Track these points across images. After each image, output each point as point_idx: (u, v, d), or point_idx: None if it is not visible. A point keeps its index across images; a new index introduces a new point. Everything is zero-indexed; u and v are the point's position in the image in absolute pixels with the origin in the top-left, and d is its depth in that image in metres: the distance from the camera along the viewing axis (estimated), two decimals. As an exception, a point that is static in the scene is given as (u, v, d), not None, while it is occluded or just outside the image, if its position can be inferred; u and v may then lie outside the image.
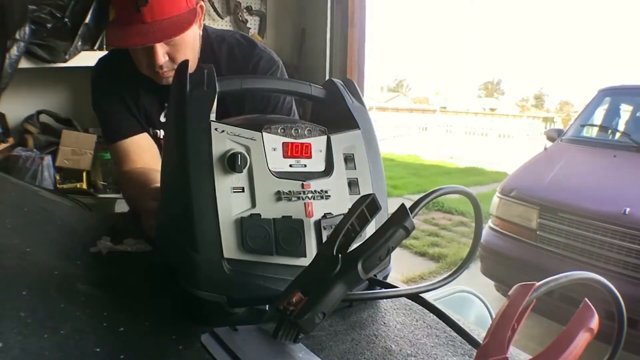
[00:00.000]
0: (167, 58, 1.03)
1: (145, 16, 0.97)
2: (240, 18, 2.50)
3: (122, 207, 1.45)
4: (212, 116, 0.60)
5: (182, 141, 0.58)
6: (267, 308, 0.57)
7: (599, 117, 3.74)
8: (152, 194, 0.86)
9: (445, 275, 0.68)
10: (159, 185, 0.84)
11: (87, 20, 2.18)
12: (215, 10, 2.47)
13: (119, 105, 1.15)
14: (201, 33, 1.14)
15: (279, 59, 1.20)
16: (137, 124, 1.16)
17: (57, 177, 2.26)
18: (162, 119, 1.18)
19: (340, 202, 0.62)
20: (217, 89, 0.63)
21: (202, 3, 1.09)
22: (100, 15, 2.23)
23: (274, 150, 0.61)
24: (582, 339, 0.37)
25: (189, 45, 1.06)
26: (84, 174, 2.31)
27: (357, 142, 0.67)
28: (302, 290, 0.46)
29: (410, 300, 0.65)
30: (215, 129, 0.58)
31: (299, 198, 0.59)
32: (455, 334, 0.58)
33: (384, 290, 0.64)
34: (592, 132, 3.67)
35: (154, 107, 1.17)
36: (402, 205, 0.49)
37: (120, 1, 1.01)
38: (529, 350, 0.56)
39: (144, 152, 1.15)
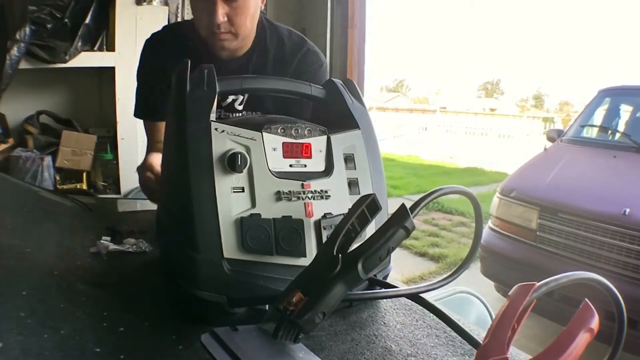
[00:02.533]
0: (225, 19, 1.01)
1: None
2: (240, 18, 2.50)
3: (122, 207, 1.45)
4: (212, 116, 0.60)
5: (182, 141, 0.58)
6: (267, 308, 0.57)
7: (599, 117, 3.73)
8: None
9: (445, 276, 0.68)
10: None
11: (87, 21, 2.18)
12: (215, 10, 2.47)
13: (159, 81, 1.13)
14: (262, 8, 1.12)
15: (325, 58, 1.20)
16: None
17: (57, 178, 2.27)
18: None
19: (340, 202, 0.62)
20: (217, 89, 0.63)
21: None
22: (100, 15, 2.23)
23: (274, 150, 0.61)
24: (583, 339, 0.37)
25: (249, 12, 1.04)
26: (84, 174, 2.32)
27: (357, 142, 0.67)
28: (302, 290, 0.46)
29: (410, 301, 0.65)
30: (215, 129, 0.58)
31: (299, 198, 0.59)
32: (455, 334, 0.58)
33: (384, 290, 0.64)
34: (592, 133, 3.67)
35: None
36: (402, 205, 0.49)
37: None
38: (528, 350, 0.56)
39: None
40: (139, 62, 1.19)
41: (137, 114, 1.21)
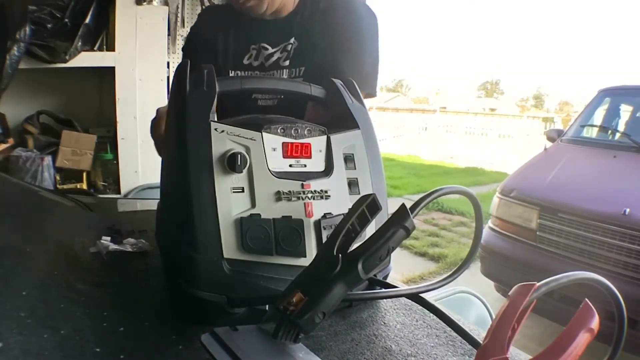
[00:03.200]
0: None
1: None
2: (240, 18, 2.50)
3: (122, 207, 1.45)
4: (212, 116, 0.60)
5: (182, 141, 0.58)
6: (267, 308, 0.57)
7: (599, 117, 3.74)
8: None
9: (445, 276, 0.68)
10: None
11: (87, 21, 2.18)
12: (215, 10, 2.47)
13: (200, 49, 1.17)
14: None
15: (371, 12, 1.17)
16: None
17: (57, 178, 2.27)
18: (246, 61, 1.17)
19: (340, 202, 0.62)
20: (217, 89, 0.63)
21: None
22: (100, 15, 2.23)
23: (274, 150, 0.61)
24: (583, 339, 0.37)
25: None
26: (84, 174, 2.31)
27: (357, 142, 0.67)
28: (302, 290, 0.46)
29: (410, 301, 0.65)
30: (215, 129, 0.58)
31: (298, 198, 0.59)
32: (455, 334, 0.58)
33: (384, 290, 0.64)
34: (592, 133, 3.67)
35: (239, 47, 1.16)
36: (403, 205, 0.49)
37: None
38: (528, 350, 0.56)
39: None
40: (190, 30, 1.26)
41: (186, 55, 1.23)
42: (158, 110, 1.05)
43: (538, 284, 0.42)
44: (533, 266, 2.76)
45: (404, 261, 4.11)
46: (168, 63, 2.36)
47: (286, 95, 0.74)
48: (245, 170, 0.58)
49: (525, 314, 0.40)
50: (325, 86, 0.73)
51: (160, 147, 1.06)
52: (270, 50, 1.12)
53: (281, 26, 1.11)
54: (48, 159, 2.20)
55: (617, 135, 3.44)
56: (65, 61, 2.14)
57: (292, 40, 1.10)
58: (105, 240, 0.80)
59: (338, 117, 0.70)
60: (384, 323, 0.62)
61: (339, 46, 1.06)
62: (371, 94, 1.10)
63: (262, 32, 1.13)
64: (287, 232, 0.57)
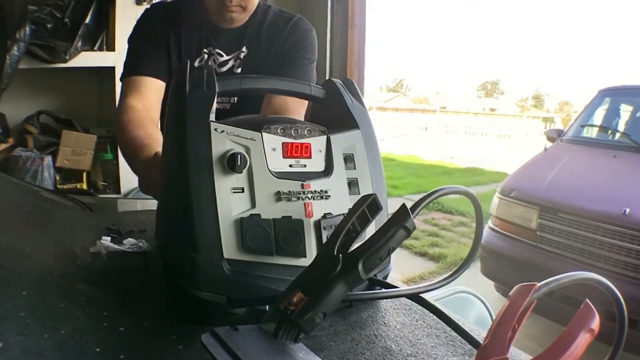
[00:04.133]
0: None
1: None
2: (240, 18, 2.50)
3: (122, 207, 1.45)
4: (212, 116, 0.60)
5: (181, 141, 0.58)
6: (267, 308, 0.57)
7: (599, 117, 3.74)
8: (149, 145, 0.86)
9: (445, 276, 0.68)
10: (155, 139, 0.88)
11: (87, 21, 2.18)
12: (215, 10, 2.47)
13: (152, 42, 1.14)
14: None
15: (312, 27, 1.24)
16: (162, 68, 1.13)
17: (57, 178, 2.27)
18: (197, 63, 1.17)
19: (340, 202, 0.62)
20: (217, 89, 0.63)
21: None
22: (100, 15, 2.23)
23: (274, 150, 0.61)
24: (583, 340, 0.37)
25: None
26: (84, 174, 2.32)
27: (356, 142, 0.67)
28: (303, 290, 0.46)
29: (410, 301, 0.65)
30: (215, 129, 0.58)
31: (298, 198, 0.59)
32: (455, 334, 0.58)
33: (384, 290, 0.64)
34: (592, 133, 3.67)
35: (191, 49, 1.16)
36: (403, 205, 0.48)
37: None
38: (528, 350, 0.56)
39: (152, 94, 1.11)
40: (136, 26, 1.19)
41: (129, 70, 1.13)
42: (125, 107, 1.03)
43: (539, 284, 0.42)
44: (533, 266, 2.76)
45: (404, 261, 4.11)
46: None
47: (246, 97, 0.74)
48: (245, 171, 0.58)
49: (526, 314, 0.40)
50: (325, 86, 0.73)
51: (124, 145, 1.00)
52: (225, 57, 1.16)
53: (234, 34, 1.15)
54: (48, 159, 2.20)
55: (617, 135, 3.44)
56: (65, 61, 2.14)
57: (243, 49, 1.16)
58: (105, 240, 0.80)
59: (338, 117, 0.70)
60: (384, 323, 0.62)
61: (288, 55, 1.16)
62: None
63: (215, 37, 1.16)
64: (287, 232, 0.57)
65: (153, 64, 1.11)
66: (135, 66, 1.13)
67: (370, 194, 0.51)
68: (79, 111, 2.46)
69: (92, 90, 2.50)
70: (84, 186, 2.30)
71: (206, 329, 0.50)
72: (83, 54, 2.19)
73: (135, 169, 0.90)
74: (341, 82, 0.73)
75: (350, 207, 0.62)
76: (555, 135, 3.73)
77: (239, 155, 0.57)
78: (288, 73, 1.12)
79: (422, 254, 4.36)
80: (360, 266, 0.46)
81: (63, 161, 2.26)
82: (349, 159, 0.65)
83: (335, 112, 0.71)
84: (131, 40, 1.18)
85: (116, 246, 0.79)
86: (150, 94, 1.10)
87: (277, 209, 0.58)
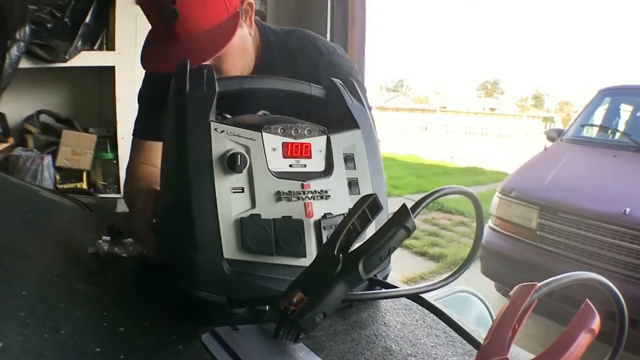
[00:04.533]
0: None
1: (178, 32, 0.82)
2: (240, 18, 2.50)
3: (122, 207, 1.45)
4: (212, 116, 0.60)
5: (182, 141, 0.58)
6: (267, 308, 0.57)
7: (599, 117, 3.74)
8: (145, 192, 0.81)
9: (445, 276, 0.68)
10: (155, 186, 0.81)
11: (87, 20, 2.18)
12: (215, 10, 2.47)
13: (157, 105, 1.10)
14: (252, 33, 0.99)
15: (350, 62, 1.07)
16: None
17: (57, 177, 2.26)
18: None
19: (340, 202, 0.62)
20: (217, 89, 0.63)
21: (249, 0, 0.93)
22: (100, 15, 2.23)
23: (274, 150, 0.61)
24: (583, 340, 0.37)
25: (235, 53, 0.92)
26: (84, 174, 2.31)
27: (357, 142, 0.67)
28: (303, 290, 0.46)
29: (410, 300, 0.65)
30: (215, 129, 0.58)
31: (298, 198, 0.59)
32: (455, 334, 0.58)
33: (384, 290, 0.64)
34: (592, 132, 3.67)
35: None
36: (404, 205, 0.48)
37: (150, 15, 0.87)
38: (529, 350, 0.56)
39: (159, 156, 1.10)
40: (143, 80, 1.14)
41: (136, 132, 1.13)
42: (131, 167, 1.00)
43: (539, 285, 0.42)
44: (533, 266, 2.76)
45: (404, 261, 4.11)
46: (168, 63, 2.36)
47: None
48: (245, 170, 0.58)
49: (526, 314, 0.40)
50: (325, 86, 0.73)
51: (126, 199, 1.01)
52: None
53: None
54: (48, 159, 2.20)
55: (617, 134, 3.44)
56: (65, 61, 2.14)
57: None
58: (105, 240, 0.80)
59: (338, 117, 0.70)
60: (384, 323, 0.62)
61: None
62: None
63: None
64: (287, 232, 0.57)
65: (159, 128, 1.09)
66: (142, 129, 1.12)
67: (371, 194, 0.51)
68: (79, 111, 2.46)
69: (92, 90, 2.50)
70: (84, 186, 2.30)
71: (206, 329, 0.50)
72: (83, 53, 2.19)
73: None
74: (341, 82, 0.73)
75: (351, 207, 0.62)
76: (555, 135, 3.73)
77: (239, 155, 0.57)
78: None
79: (422, 254, 4.36)
80: (360, 266, 0.46)
81: (63, 161, 2.26)
82: (349, 159, 0.65)
83: (336, 112, 0.71)
84: (139, 99, 1.14)
85: (116, 246, 0.79)
86: (157, 155, 1.05)
87: (277, 209, 0.58)
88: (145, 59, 0.91)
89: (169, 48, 0.84)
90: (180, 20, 0.81)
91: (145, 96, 1.15)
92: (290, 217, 0.58)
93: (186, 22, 0.82)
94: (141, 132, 1.12)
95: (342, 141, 0.66)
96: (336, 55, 1.05)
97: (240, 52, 0.95)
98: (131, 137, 1.14)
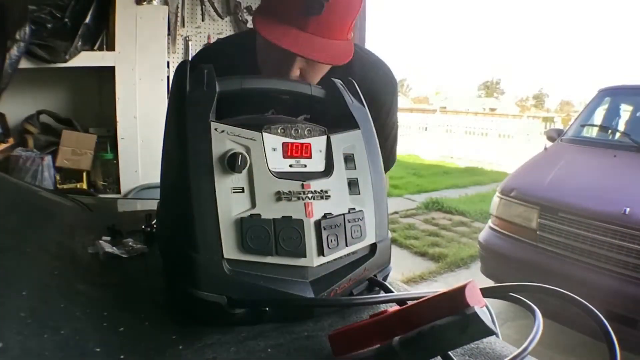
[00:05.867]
0: (298, 73, 0.91)
1: (309, 25, 0.82)
2: (240, 18, 2.50)
3: (122, 207, 1.45)
4: (212, 116, 0.60)
5: (182, 141, 0.58)
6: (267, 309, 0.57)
7: (599, 117, 3.73)
8: None
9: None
10: None
11: (87, 20, 2.18)
12: (215, 10, 2.47)
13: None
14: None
15: (394, 77, 1.13)
16: None
17: (57, 177, 2.26)
18: None
19: (340, 202, 0.62)
20: (217, 89, 0.63)
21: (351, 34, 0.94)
22: (100, 15, 2.23)
23: (274, 150, 0.61)
24: None
25: (325, 69, 0.94)
26: (84, 174, 2.31)
27: (357, 142, 0.67)
28: None
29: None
30: (215, 129, 0.58)
31: (299, 198, 0.59)
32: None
33: (384, 295, 0.64)
34: (592, 132, 3.67)
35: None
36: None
37: None
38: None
39: None
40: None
41: None
42: None
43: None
44: (533, 266, 2.75)
45: (404, 261, 4.11)
46: (168, 63, 2.36)
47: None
48: (245, 170, 0.58)
49: None
50: (325, 86, 0.73)
51: None
52: None
53: None
54: (48, 159, 2.20)
55: (617, 134, 3.44)
56: (65, 61, 2.14)
57: None
58: (105, 240, 0.80)
59: (338, 117, 0.70)
60: (384, 323, 0.61)
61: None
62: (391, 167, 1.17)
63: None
64: (287, 232, 0.57)
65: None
66: None
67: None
68: (79, 111, 2.46)
69: (92, 90, 2.50)
70: (84, 186, 2.30)
71: (206, 329, 0.50)
72: (83, 53, 2.19)
73: None
74: (341, 82, 0.73)
75: (351, 206, 0.63)
76: (555, 135, 3.73)
77: (239, 155, 0.57)
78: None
79: (422, 254, 4.36)
80: None
81: (63, 161, 2.26)
82: (349, 159, 0.65)
83: (336, 112, 0.71)
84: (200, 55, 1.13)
85: (111, 250, 0.79)
86: None
87: (277, 209, 0.58)
88: (265, 28, 0.85)
89: (293, 33, 0.83)
90: (321, 17, 0.82)
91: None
92: (291, 217, 0.58)
93: (322, 21, 0.82)
94: None
95: (342, 141, 0.66)
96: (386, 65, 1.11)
97: (324, 73, 0.96)
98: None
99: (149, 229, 0.87)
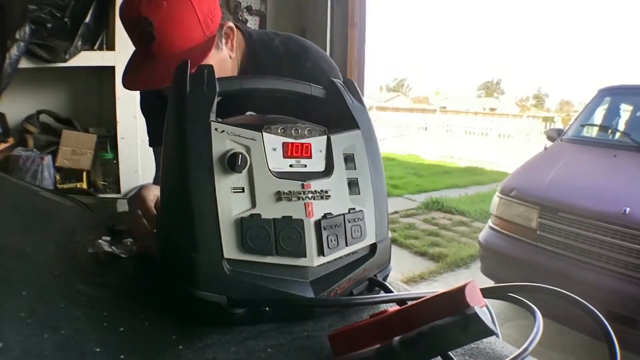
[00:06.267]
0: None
1: (154, 52, 0.87)
2: (241, 18, 2.50)
3: (122, 207, 1.45)
4: (212, 116, 0.60)
5: (182, 141, 0.58)
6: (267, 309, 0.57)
7: (599, 116, 3.73)
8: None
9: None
10: None
11: (87, 20, 2.18)
12: (215, 10, 2.47)
13: (160, 112, 1.08)
14: (234, 55, 1.01)
15: (332, 62, 1.10)
16: None
17: (57, 177, 2.26)
18: None
19: (340, 202, 0.62)
20: (217, 89, 0.63)
21: (230, 24, 0.96)
22: (100, 15, 2.23)
23: (274, 150, 0.61)
24: None
25: (222, 73, 0.94)
26: (84, 173, 2.31)
27: (357, 142, 0.67)
28: None
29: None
30: (215, 129, 0.58)
31: (299, 198, 0.59)
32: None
33: (384, 295, 0.64)
34: (592, 132, 3.67)
35: None
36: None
37: (131, 36, 0.90)
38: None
39: None
40: (140, 94, 1.17)
41: (152, 142, 1.19)
42: (140, 190, 0.92)
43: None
44: (533, 265, 2.75)
45: (403, 261, 4.11)
46: (168, 62, 2.36)
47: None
48: (245, 170, 0.58)
49: None
50: (325, 86, 0.73)
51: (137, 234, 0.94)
52: None
53: None
54: (48, 159, 2.20)
55: (617, 134, 3.44)
56: (65, 60, 2.14)
57: None
58: (105, 240, 0.80)
59: (338, 117, 0.70)
60: (384, 323, 0.61)
61: None
62: None
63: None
64: (288, 232, 0.57)
65: None
66: (155, 138, 1.16)
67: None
68: (79, 111, 2.46)
69: (92, 90, 2.50)
70: (84, 186, 2.30)
71: (206, 329, 0.50)
72: (83, 53, 2.19)
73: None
74: (341, 82, 0.73)
75: (351, 206, 0.63)
76: (555, 135, 3.73)
77: (239, 155, 0.57)
78: None
79: (422, 254, 4.36)
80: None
81: (63, 161, 2.26)
82: (349, 159, 0.65)
83: (336, 112, 0.71)
84: (142, 110, 1.19)
85: (115, 246, 0.79)
86: None
87: (277, 209, 0.58)
88: (125, 79, 0.93)
89: (147, 66, 0.88)
90: (157, 41, 0.86)
91: (145, 106, 1.18)
92: (291, 217, 0.58)
93: (162, 43, 0.86)
94: (154, 141, 1.16)
95: (342, 141, 0.66)
96: (319, 53, 1.08)
97: (219, 65, 0.95)
98: (146, 147, 1.20)
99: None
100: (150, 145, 1.20)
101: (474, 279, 0.46)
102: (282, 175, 0.60)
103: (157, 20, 0.84)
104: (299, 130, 0.63)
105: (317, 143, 0.64)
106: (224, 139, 0.58)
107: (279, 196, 0.59)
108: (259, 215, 0.57)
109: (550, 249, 2.76)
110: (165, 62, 0.85)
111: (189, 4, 0.87)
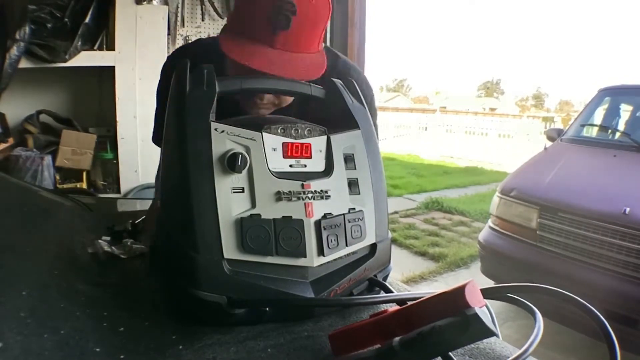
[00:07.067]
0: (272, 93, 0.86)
1: (277, 41, 0.78)
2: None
3: (122, 207, 1.45)
4: (212, 116, 0.60)
5: (182, 141, 0.58)
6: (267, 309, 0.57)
7: (599, 116, 3.73)
8: None
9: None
10: None
11: (87, 20, 2.18)
12: (215, 10, 2.47)
13: None
14: None
15: (360, 72, 1.09)
16: None
17: (57, 177, 2.27)
18: None
19: (340, 202, 0.62)
20: (217, 89, 0.63)
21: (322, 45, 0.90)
22: (100, 15, 2.23)
23: (274, 150, 0.61)
24: None
25: None
26: (84, 173, 2.32)
27: (357, 142, 0.67)
28: None
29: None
30: (215, 129, 0.58)
31: (299, 198, 0.59)
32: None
33: (385, 295, 0.64)
34: (592, 132, 3.66)
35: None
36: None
37: (254, 12, 0.80)
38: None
39: None
40: (161, 77, 1.05)
41: (153, 137, 1.09)
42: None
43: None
44: (533, 265, 2.75)
45: (404, 261, 4.10)
46: (168, 62, 2.36)
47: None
48: (245, 171, 0.58)
49: None
50: (325, 86, 0.73)
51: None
52: None
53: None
54: (48, 159, 2.20)
55: (617, 134, 3.44)
56: (65, 61, 2.14)
57: None
58: (105, 240, 0.80)
59: (338, 117, 0.70)
60: (384, 323, 0.61)
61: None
62: None
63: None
64: (288, 232, 0.57)
65: None
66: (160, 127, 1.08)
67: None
68: (79, 111, 2.46)
69: (92, 90, 2.50)
70: (84, 186, 2.30)
71: (206, 329, 0.50)
72: (83, 53, 2.19)
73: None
74: (341, 82, 0.73)
75: (351, 206, 0.63)
76: (555, 135, 3.73)
77: (239, 155, 0.57)
78: None
79: (422, 254, 4.36)
80: None
81: (63, 161, 2.26)
82: (349, 159, 0.65)
83: (336, 112, 0.71)
84: (157, 95, 1.07)
85: (115, 246, 0.79)
86: None
87: (277, 209, 0.58)
88: (232, 48, 0.81)
89: (261, 50, 0.79)
90: (289, 32, 0.77)
91: (165, 90, 1.10)
92: (291, 217, 0.58)
93: (290, 37, 0.78)
94: (157, 138, 1.06)
95: (342, 141, 0.66)
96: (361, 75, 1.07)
97: None
98: (146, 143, 1.08)
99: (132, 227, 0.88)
100: (154, 140, 1.10)
101: (473, 279, 0.46)
102: (282, 175, 0.60)
103: (301, 10, 0.77)
104: (299, 131, 0.63)
105: (317, 143, 0.64)
106: (223, 139, 0.58)
107: (278, 196, 0.59)
108: (259, 215, 0.57)
109: (550, 249, 2.76)
110: (284, 56, 0.79)
111: (327, 13, 0.83)
